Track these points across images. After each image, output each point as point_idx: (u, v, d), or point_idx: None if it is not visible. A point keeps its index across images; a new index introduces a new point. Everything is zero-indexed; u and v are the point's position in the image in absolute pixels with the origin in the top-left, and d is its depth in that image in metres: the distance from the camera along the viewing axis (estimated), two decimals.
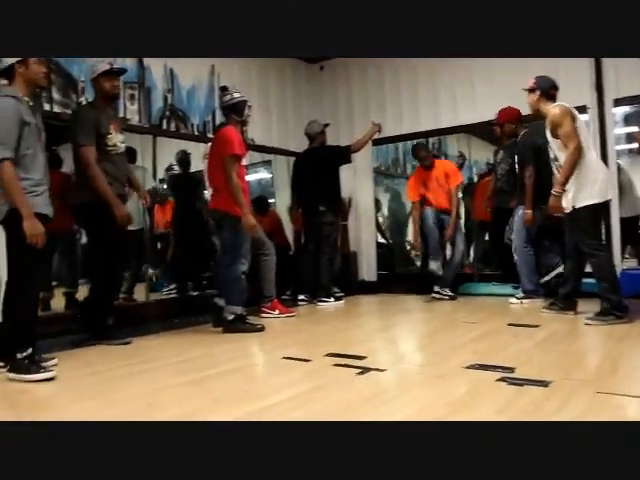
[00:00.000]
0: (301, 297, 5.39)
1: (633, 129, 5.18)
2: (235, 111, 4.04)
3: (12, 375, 2.64)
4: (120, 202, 3.50)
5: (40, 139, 2.88)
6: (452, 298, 5.20)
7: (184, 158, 5.87)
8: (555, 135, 3.69)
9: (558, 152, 3.72)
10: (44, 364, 2.74)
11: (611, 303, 3.58)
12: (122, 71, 3.70)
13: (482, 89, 5.58)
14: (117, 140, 3.60)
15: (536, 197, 4.49)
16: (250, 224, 3.85)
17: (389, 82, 6.24)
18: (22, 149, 2.73)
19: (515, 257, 4.76)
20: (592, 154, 3.75)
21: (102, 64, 3.59)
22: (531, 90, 3.85)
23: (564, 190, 3.64)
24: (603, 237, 4.00)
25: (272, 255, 4.64)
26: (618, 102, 5.04)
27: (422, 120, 5.95)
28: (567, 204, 3.72)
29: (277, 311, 4.61)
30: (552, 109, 3.70)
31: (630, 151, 5.21)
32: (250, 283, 4.16)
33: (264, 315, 4.57)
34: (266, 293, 4.65)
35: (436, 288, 5.25)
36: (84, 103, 4.04)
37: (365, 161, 6.39)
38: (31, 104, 2.85)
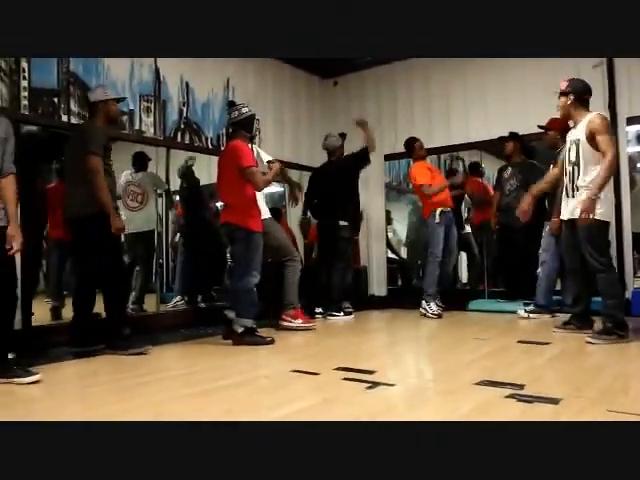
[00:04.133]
0: (318, 310, 5.34)
1: None
2: (244, 127, 4.04)
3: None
4: (116, 213, 3.57)
5: None
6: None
7: (187, 171, 5.76)
8: (591, 140, 3.56)
9: (588, 158, 3.59)
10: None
11: (616, 320, 3.55)
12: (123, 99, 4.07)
13: (494, 106, 5.62)
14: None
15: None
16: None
17: (402, 98, 6.30)
18: None
19: (539, 270, 4.73)
20: None
21: (108, 91, 3.81)
22: (563, 93, 3.72)
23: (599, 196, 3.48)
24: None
25: (298, 262, 4.67)
26: (631, 121, 5.04)
27: (435, 136, 5.98)
28: (573, 213, 3.67)
29: (300, 320, 4.60)
30: (595, 117, 3.59)
31: None
32: (262, 297, 4.16)
33: (285, 323, 4.57)
34: (290, 299, 4.63)
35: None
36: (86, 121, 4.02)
37: (377, 176, 6.43)
38: None
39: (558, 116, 4.05)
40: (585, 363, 3.08)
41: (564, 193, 3.84)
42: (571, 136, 3.76)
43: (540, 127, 4.78)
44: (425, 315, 5.15)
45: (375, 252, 6.49)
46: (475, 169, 6.44)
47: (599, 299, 3.73)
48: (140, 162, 5.26)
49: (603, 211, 3.54)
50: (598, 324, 3.74)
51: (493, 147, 5.77)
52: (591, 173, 3.58)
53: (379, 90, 6.46)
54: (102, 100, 3.69)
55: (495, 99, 5.62)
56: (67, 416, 2.20)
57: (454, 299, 5.63)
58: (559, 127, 4.59)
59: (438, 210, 5.21)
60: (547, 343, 3.57)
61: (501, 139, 5.30)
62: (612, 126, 5.00)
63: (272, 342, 3.86)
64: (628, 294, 4.94)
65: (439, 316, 5.11)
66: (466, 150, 6.16)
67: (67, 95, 4.09)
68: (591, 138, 3.57)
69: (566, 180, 3.78)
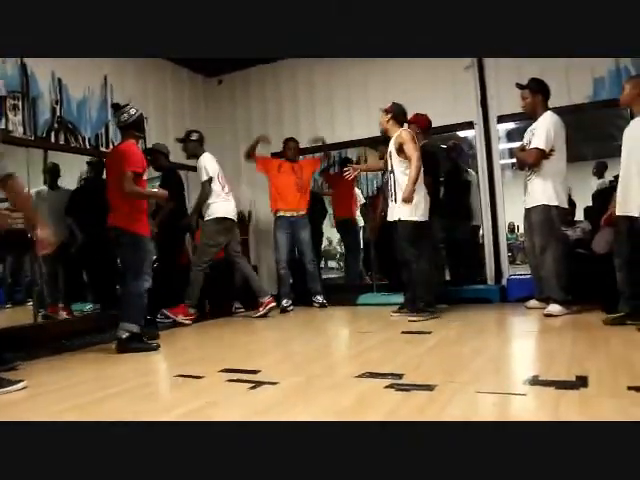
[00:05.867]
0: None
1: (516, 145, 5.52)
2: (136, 128, 3.92)
3: None
4: None
5: None
6: (322, 305, 5.61)
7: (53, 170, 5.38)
8: (399, 152, 4.34)
9: (397, 166, 4.38)
10: None
11: (425, 301, 4.35)
12: None
13: (376, 104, 5.73)
14: None
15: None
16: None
17: (287, 96, 6.33)
18: None
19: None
20: (421, 180, 4.37)
21: None
22: (386, 111, 4.49)
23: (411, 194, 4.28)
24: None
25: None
26: (501, 119, 5.36)
27: (320, 134, 6.05)
28: (393, 216, 4.41)
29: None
30: (403, 131, 4.38)
31: (512, 165, 5.55)
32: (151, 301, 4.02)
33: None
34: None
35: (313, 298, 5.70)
36: None
37: (263, 175, 6.41)
38: None
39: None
40: (462, 349, 3.23)
41: (388, 196, 4.55)
42: (388, 148, 4.49)
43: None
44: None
45: (264, 252, 6.47)
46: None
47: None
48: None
49: (410, 213, 4.30)
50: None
51: (376, 144, 5.91)
52: (402, 180, 4.33)
53: (264, 88, 6.46)
54: None
55: (377, 97, 5.75)
56: None
57: (344, 294, 5.78)
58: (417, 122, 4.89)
59: (277, 214, 5.67)
60: (429, 332, 3.72)
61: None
62: (484, 124, 5.37)
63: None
64: (504, 281, 5.27)
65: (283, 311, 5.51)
66: (350, 147, 6.29)
67: None
68: (399, 149, 4.35)
69: (389, 185, 4.52)
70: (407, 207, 4.29)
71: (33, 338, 4.25)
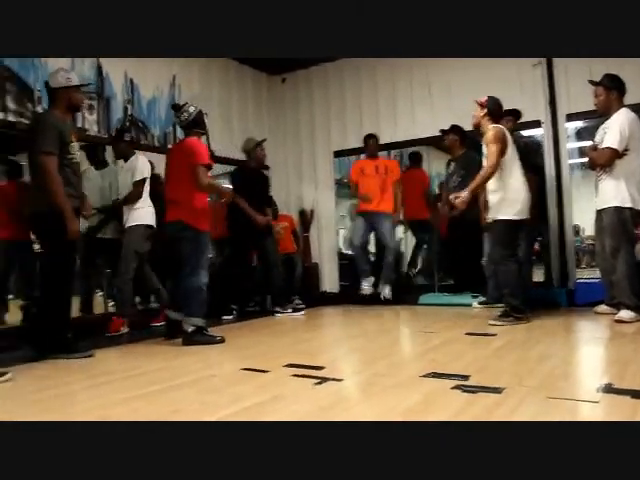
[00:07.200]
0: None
1: (585, 144, 5.35)
2: (196, 125, 3.99)
3: None
4: (74, 216, 3.38)
5: None
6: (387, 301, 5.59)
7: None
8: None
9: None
10: None
11: (510, 306, 4.09)
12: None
13: (440, 102, 5.70)
14: (76, 149, 3.52)
15: None
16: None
17: (350, 95, 6.33)
18: None
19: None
20: (518, 176, 4.13)
21: (71, 75, 3.50)
22: (481, 105, 4.22)
23: (470, 197, 4.07)
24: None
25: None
26: (570, 117, 5.20)
27: (382, 133, 6.03)
28: (489, 215, 4.26)
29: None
30: (491, 129, 4.10)
31: (582, 165, 5.37)
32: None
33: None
34: None
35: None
36: (44, 111, 3.89)
37: (327, 172, 6.45)
38: None
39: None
40: (529, 353, 3.15)
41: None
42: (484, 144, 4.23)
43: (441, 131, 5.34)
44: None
45: (326, 249, 6.51)
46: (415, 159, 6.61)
47: None
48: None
49: (507, 210, 4.07)
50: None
51: (439, 143, 5.84)
52: (495, 178, 4.10)
53: (327, 86, 6.47)
54: (64, 87, 3.41)
55: (440, 96, 5.71)
56: None
57: (406, 294, 5.75)
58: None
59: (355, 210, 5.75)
60: (494, 335, 3.65)
61: (442, 132, 5.38)
62: (552, 123, 5.21)
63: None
64: (571, 285, 5.11)
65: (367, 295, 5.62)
66: (412, 146, 6.24)
67: (3, 91, 3.94)
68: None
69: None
70: (500, 206, 4.09)
71: (104, 327, 4.43)
